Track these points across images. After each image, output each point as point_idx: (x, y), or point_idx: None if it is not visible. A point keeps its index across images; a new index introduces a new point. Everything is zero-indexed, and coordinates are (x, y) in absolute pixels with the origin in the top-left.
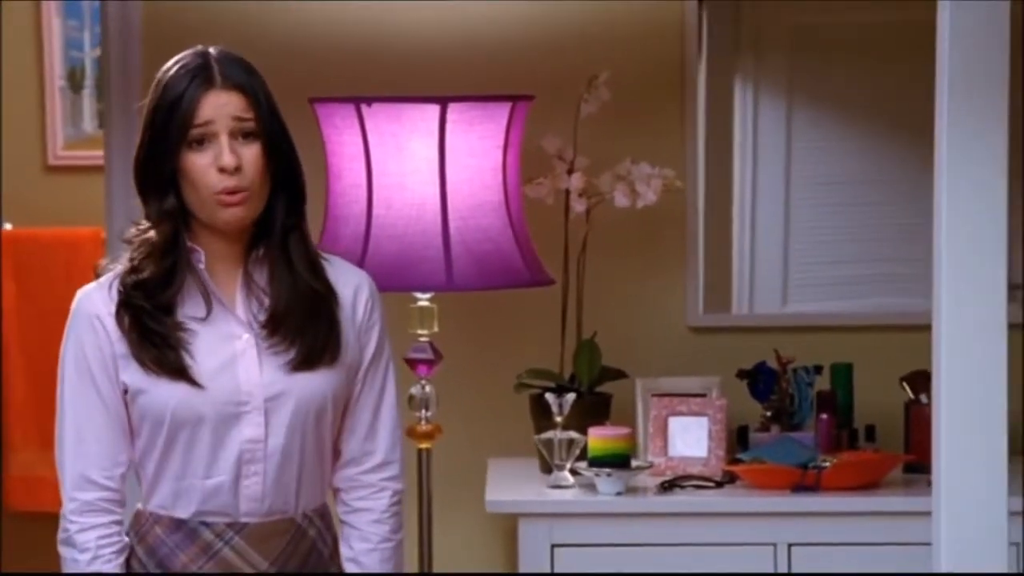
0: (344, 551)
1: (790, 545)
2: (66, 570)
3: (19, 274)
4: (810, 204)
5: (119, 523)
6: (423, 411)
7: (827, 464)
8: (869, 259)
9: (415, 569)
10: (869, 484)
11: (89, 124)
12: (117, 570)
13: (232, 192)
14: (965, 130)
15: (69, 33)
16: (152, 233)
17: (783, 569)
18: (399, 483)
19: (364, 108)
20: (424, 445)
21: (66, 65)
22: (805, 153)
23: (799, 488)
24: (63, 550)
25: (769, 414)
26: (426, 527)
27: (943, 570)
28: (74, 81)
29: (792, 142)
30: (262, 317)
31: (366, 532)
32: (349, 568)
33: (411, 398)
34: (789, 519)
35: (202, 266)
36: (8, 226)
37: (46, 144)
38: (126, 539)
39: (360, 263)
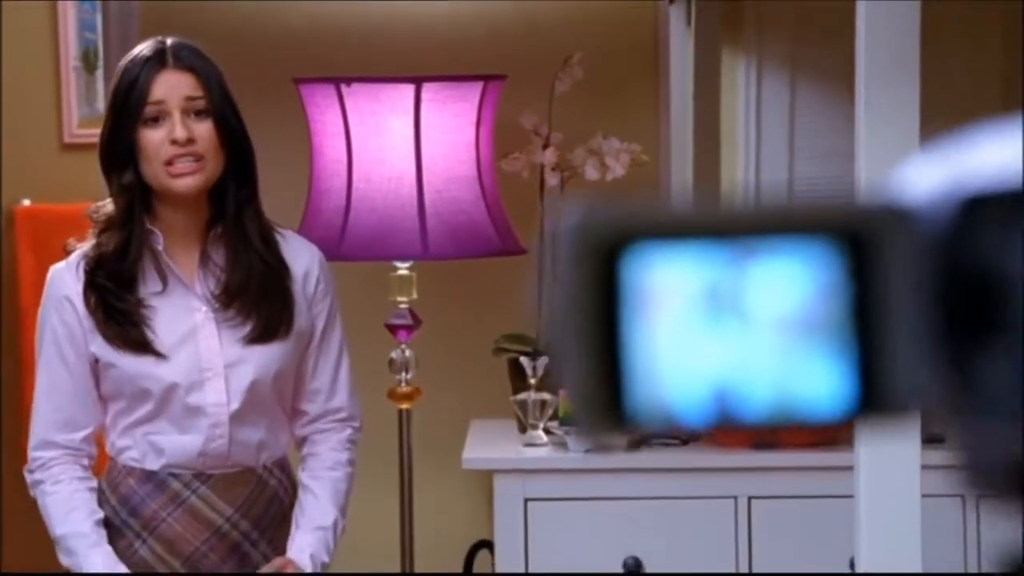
0: (302, 476)
1: (750, 498)
2: (43, 513)
3: (37, 248)
4: (813, 179)
5: (82, 468)
6: (403, 374)
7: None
8: None
9: (396, 523)
10: (826, 441)
11: (103, 103)
12: (76, 488)
13: (184, 161)
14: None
15: (83, 16)
16: (111, 207)
17: (743, 520)
18: (359, 429)
19: (344, 88)
20: (404, 406)
21: (80, 46)
22: (808, 127)
23: (759, 445)
24: (38, 498)
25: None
26: (406, 484)
27: (861, 521)
28: (88, 62)
29: (795, 116)
30: (219, 292)
31: (324, 456)
32: (307, 483)
33: (391, 362)
34: (749, 474)
35: (160, 247)
36: (26, 202)
37: (62, 123)
38: (91, 476)
39: (341, 234)
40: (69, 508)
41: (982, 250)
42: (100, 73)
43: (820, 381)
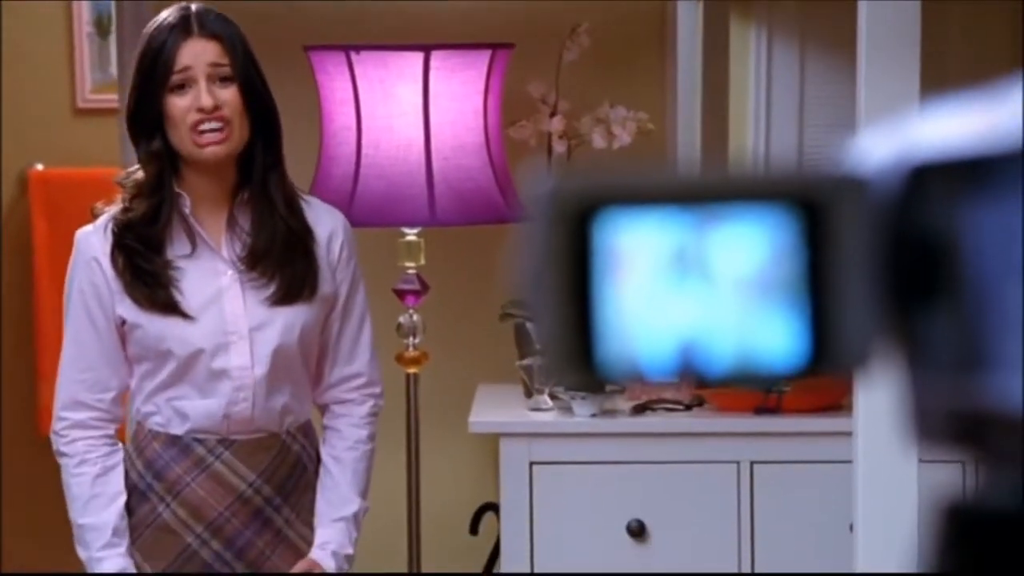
0: (324, 451)
1: (752, 463)
2: (66, 491)
3: (50, 212)
4: (822, 148)
5: (109, 436)
6: (411, 338)
7: (787, 388)
8: None
9: (403, 486)
10: (828, 406)
11: (116, 69)
12: (100, 471)
13: (210, 130)
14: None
15: None
16: (140, 174)
17: (745, 484)
18: (380, 398)
19: (353, 56)
20: (412, 370)
21: (93, 12)
22: (819, 96)
23: (761, 410)
24: (62, 470)
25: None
26: (414, 447)
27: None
28: (101, 28)
29: (805, 85)
30: (243, 254)
31: (345, 433)
32: (328, 464)
33: (399, 326)
34: (752, 439)
35: (187, 210)
36: (39, 166)
37: (75, 88)
38: (118, 447)
39: (350, 200)
40: (91, 495)
41: (928, 217)
42: (113, 38)
43: (777, 337)
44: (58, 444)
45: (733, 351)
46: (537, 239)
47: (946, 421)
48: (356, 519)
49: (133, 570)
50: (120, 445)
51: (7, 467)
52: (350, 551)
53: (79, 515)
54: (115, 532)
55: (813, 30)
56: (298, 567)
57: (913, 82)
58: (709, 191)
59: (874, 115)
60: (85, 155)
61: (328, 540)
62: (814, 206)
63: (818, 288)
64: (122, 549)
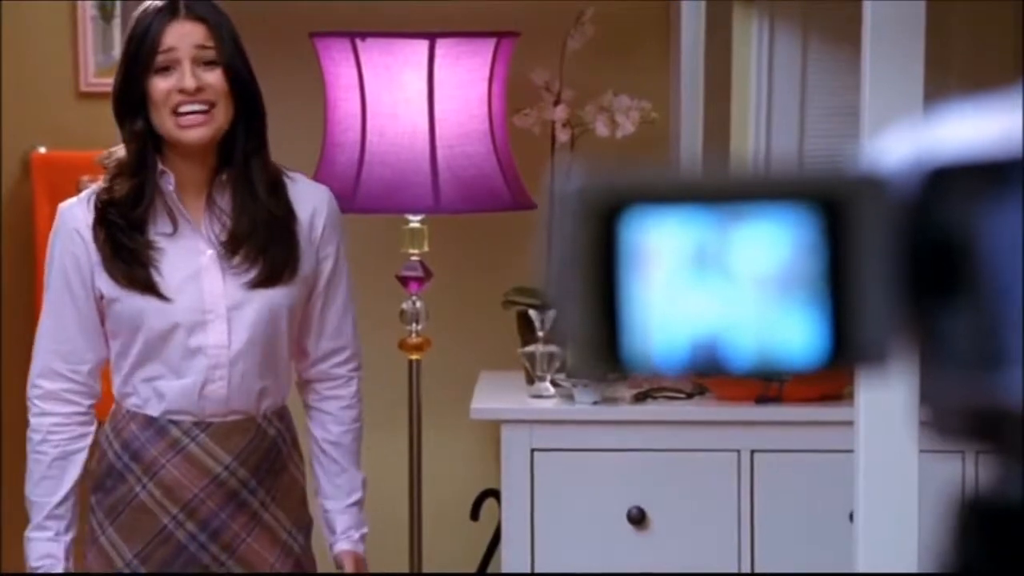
0: (321, 434)
1: (753, 451)
2: (28, 462)
3: (53, 196)
4: (824, 136)
5: (81, 415)
6: (414, 325)
7: (788, 377)
8: None
9: (404, 471)
10: (829, 396)
11: (119, 53)
12: (59, 455)
13: (191, 112)
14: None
15: None
16: (122, 152)
17: (746, 473)
18: (361, 373)
19: (359, 43)
20: (414, 356)
21: None
22: (821, 84)
23: (762, 399)
24: (28, 439)
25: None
26: (415, 433)
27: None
28: (105, 12)
29: (807, 73)
30: (224, 238)
31: (339, 416)
32: (327, 449)
33: (402, 313)
34: (753, 428)
35: (171, 188)
36: (42, 149)
37: (78, 71)
38: (87, 429)
39: (354, 187)
40: (42, 475)
41: (946, 217)
42: (117, 22)
43: (796, 333)
44: (30, 412)
45: (754, 346)
46: (564, 236)
47: (961, 417)
48: (364, 495)
49: (59, 556)
50: (92, 424)
51: (8, 465)
52: (366, 529)
53: (29, 489)
54: (50, 516)
55: (815, 18)
56: (348, 566)
57: (917, 74)
58: (731, 190)
59: (878, 108)
60: (88, 138)
61: (350, 526)
62: (834, 205)
63: (838, 285)
64: (50, 534)
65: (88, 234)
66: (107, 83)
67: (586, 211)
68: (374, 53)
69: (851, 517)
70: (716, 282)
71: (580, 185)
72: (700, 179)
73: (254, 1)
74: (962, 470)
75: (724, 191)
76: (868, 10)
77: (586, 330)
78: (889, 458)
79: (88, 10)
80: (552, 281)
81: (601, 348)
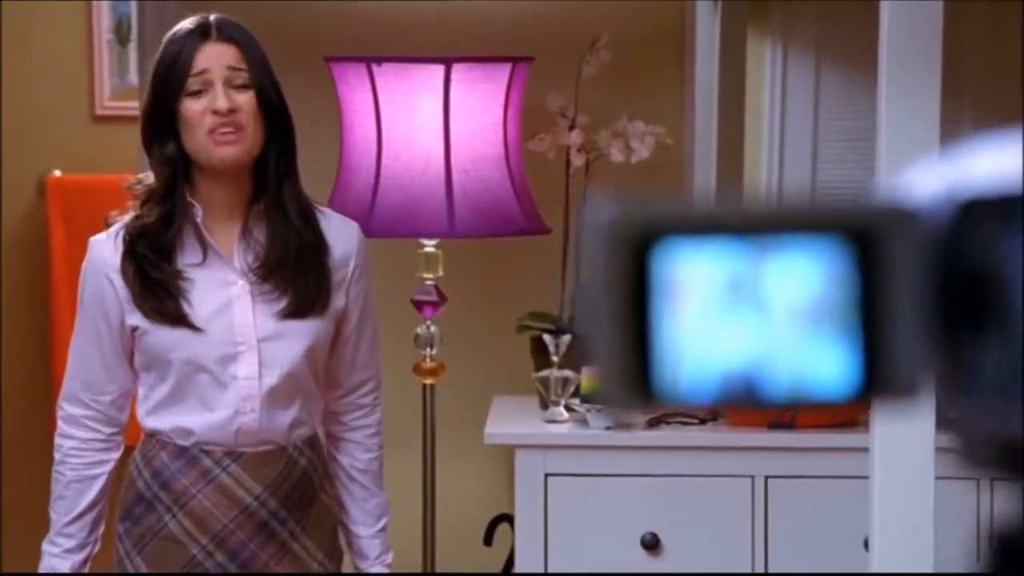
0: (349, 462)
1: (767, 477)
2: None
3: (68, 219)
4: (837, 159)
5: (100, 441)
6: (428, 349)
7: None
8: None
9: (418, 496)
10: (843, 422)
11: (135, 76)
12: (76, 477)
13: (225, 131)
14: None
15: None
16: (151, 179)
17: (760, 499)
18: (382, 399)
19: (375, 67)
20: (429, 381)
21: (113, 19)
22: (833, 108)
23: (775, 425)
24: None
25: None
26: (429, 458)
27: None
28: (120, 35)
29: (820, 98)
30: (256, 266)
31: (367, 444)
32: (356, 476)
33: (417, 337)
34: (767, 453)
35: (199, 219)
36: (57, 173)
37: (94, 95)
38: (108, 456)
39: (370, 211)
40: (59, 495)
41: (978, 249)
42: (133, 46)
43: (830, 365)
44: (56, 429)
45: (786, 378)
46: (596, 266)
47: (992, 447)
48: (388, 520)
49: (63, 572)
50: (115, 451)
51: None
52: (393, 553)
53: (50, 504)
54: (61, 533)
55: (829, 43)
56: None
57: (933, 103)
58: (764, 221)
59: (893, 137)
60: (103, 162)
61: (382, 551)
62: (866, 237)
63: (870, 317)
64: (59, 550)
65: (116, 276)
66: (123, 106)
67: (617, 242)
68: (390, 78)
69: (866, 544)
70: (749, 313)
71: (611, 216)
72: (732, 210)
73: (269, 25)
74: (976, 498)
75: (757, 222)
76: (885, 37)
77: (617, 361)
78: (905, 485)
79: (104, 33)
80: (582, 311)
81: (632, 379)
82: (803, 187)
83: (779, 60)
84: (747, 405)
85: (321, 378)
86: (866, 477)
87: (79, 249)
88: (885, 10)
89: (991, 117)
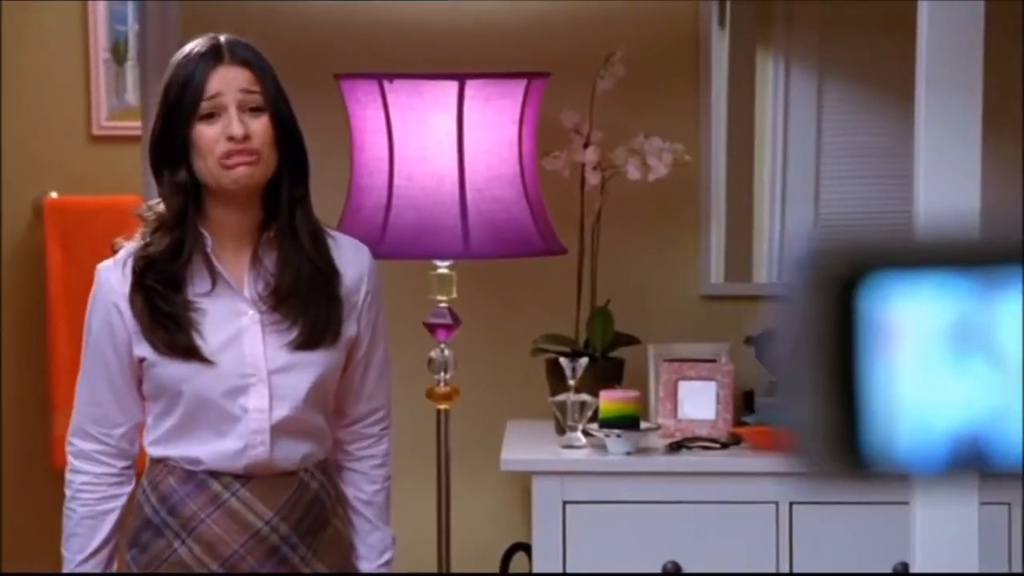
0: (354, 493)
1: (791, 503)
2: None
3: (64, 241)
4: (840, 176)
5: (113, 475)
6: (442, 374)
7: None
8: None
9: (432, 524)
10: None
11: (132, 95)
12: (88, 514)
13: (239, 153)
14: (942, 128)
15: (113, 7)
16: (162, 207)
17: (784, 525)
18: (391, 430)
19: (386, 84)
20: (443, 406)
21: (110, 38)
22: (836, 124)
23: None
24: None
25: (774, 379)
26: (444, 485)
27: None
28: (118, 54)
29: (823, 113)
30: (267, 295)
31: (372, 475)
32: (360, 508)
33: (430, 361)
34: (791, 478)
35: (209, 248)
36: (54, 194)
37: (90, 114)
38: (120, 490)
39: (382, 232)
40: (71, 533)
41: None
42: (130, 65)
43: None
44: (67, 466)
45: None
46: (796, 309)
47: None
48: (394, 550)
49: None
50: (127, 485)
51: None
52: None
53: (62, 542)
54: (73, 573)
55: (831, 59)
56: None
57: (975, 110)
58: (993, 253)
59: (933, 159)
60: (100, 183)
61: None
62: None
63: None
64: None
65: (125, 305)
66: (120, 126)
67: (820, 278)
68: (402, 95)
69: (894, 570)
70: (978, 363)
71: (812, 248)
72: (954, 240)
73: (279, 42)
74: (1008, 521)
75: (984, 254)
76: (923, 60)
77: (820, 420)
78: (948, 511)
79: (101, 52)
80: (783, 361)
81: (838, 441)
82: (806, 199)
83: (781, 76)
84: (978, 471)
85: (331, 408)
86: (893, 503)
87: (76, 270)
88: (924, 24)
89: (991, 118)
